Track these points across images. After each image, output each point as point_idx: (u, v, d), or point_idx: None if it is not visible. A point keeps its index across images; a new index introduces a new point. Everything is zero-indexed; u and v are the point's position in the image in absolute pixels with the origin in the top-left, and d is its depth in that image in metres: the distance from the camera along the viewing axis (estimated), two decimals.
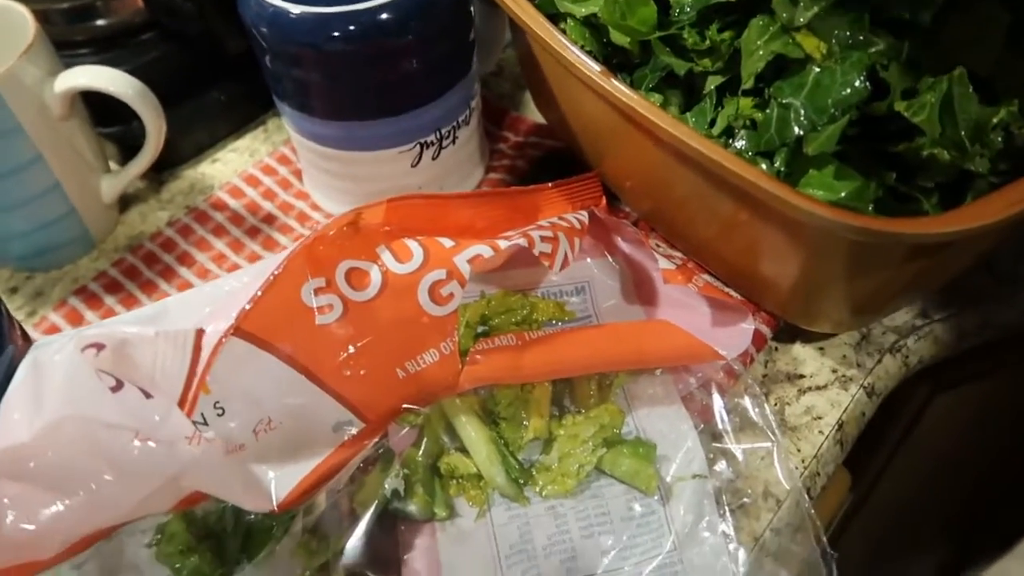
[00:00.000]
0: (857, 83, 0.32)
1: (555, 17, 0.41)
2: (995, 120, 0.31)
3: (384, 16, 0.40)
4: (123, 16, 0.51)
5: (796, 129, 0.33)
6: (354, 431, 0.35)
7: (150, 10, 0.52)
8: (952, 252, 0.34)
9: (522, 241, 0.36)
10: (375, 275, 0.35)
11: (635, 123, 0.35)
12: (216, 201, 0.52)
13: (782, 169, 0.34)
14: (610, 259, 0.43)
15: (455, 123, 0.46)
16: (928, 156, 0.32)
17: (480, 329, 0.40)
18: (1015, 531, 1.06)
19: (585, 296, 0.43)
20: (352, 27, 0.40)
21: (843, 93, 0.32)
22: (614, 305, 0.42)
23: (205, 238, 0.50)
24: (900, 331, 0.41)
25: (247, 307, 0.33)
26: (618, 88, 0.35)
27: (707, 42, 0.37)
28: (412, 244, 0.36)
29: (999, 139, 0.32)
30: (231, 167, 0.54)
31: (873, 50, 0.33)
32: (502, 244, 0.36)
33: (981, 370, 0.49)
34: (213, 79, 0.56)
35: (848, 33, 0.33)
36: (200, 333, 0.32)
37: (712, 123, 0.38)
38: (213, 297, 0.36)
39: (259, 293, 0.34)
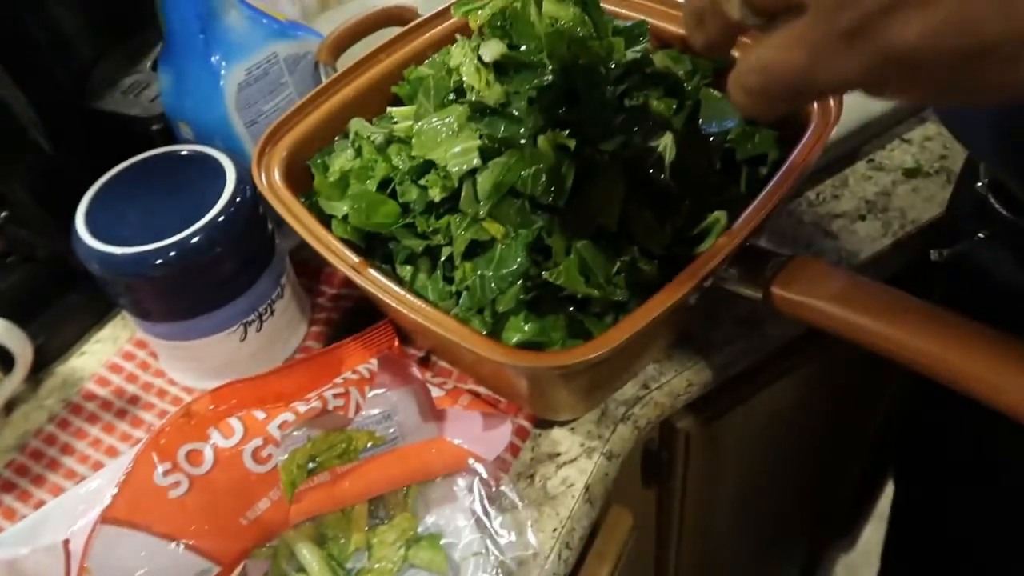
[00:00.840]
0: (520, 259, 0.45)
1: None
2: (617, 267, 0.45)
3: (195, 240, 0.52)
4: None
5: (489, 295, 0.45)
6: (214, 575, 0.46)
7: (5, 242, 0.62)
8: (624, 353, 0.47)
9: (317, 404, 0.48)
10: (208, 452, 0.46)
11: None
12: (87, 392, 0.61)
13: (489, 320, 0.46)
14: (408, 388, 0.55)
15: (270, 300, 0.58)
16: (584, 296, 0.45)
17: (310, 466, 0.51)
18: (853, 522, 1.21)
19: (391, 422, 0.54)
20: (171, 254, 0.51)
21: (513, 267, 0.45)
22: (415, 425, 0.54)
23: (82, 427, 0.59)
24: (628, 403, 0.54)
25: (111, 497, 0.44)
26: (370, 279, 0.47)
27: (430, 228, 0.49)
28: (234, 422, 0.47)
29: (629, 278, 0.45)
30: (97, 358, 0.64)
31: (535, 226, 0.46)
32: (302, 409, 0.48)
33: (722, 409, 0.64)
34: (72, 284, 0.66)
35: (518, 217, 0.46)
36: (67, 543, 0.43)
37: (450, 280, 0.50)
38: (85, 496, 0.46)
39: (117, 489, 0.44)
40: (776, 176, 0.48)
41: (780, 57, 0.26)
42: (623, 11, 0.59)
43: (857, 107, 0.66)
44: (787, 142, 0.54)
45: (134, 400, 0.61)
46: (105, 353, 0.64)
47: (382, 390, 0.54)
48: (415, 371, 0.55)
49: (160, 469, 0.45)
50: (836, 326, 0.42)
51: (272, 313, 0.58)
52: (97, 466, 0.57)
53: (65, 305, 0.65)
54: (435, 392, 0.52)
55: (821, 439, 0.89)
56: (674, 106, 0.53)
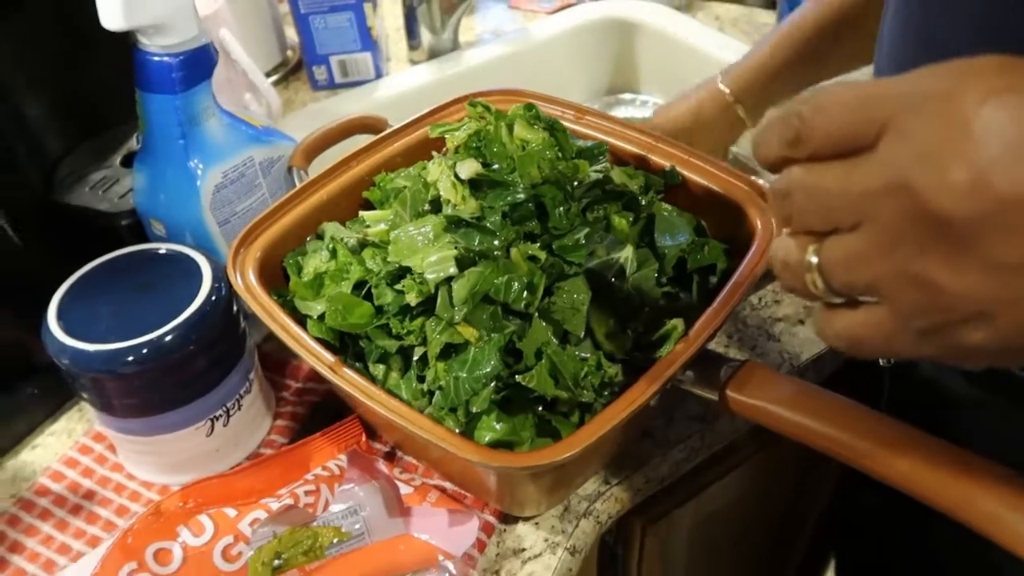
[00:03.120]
0: (493, 362, 0.47)
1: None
2: (584, 370, 0.48)
3: (168, 339, 0.53)
4: None
5: (463, 395, 0.48)
6: None
7: None
8: (590, 452, 0.50)
9: (290, 500, 0.48)
10: (177, 551, 0.46)
11: None
12: (39, 488, 0.60)
13: (463, 419, 0.48)
14: (375, 483, 0.56)
15: (239, 395, 0.58)
16: (553, 397, 0.48)
17: (276, 563, 0.51)
18: None
19: (358, 517, 0.55)
20: (144, 351, 0.52)
21: (486, 369, 0.47)
22: (381, 521, 0.55)
23: (33, 524, 0.58)
24: (590, 498, 0.57)
25: None
26: (346, 379, 0.49)
27: (404, 330, 0.52)
28: (204, 519, 0.48)
29: (595, 381, 0.48)
30: (51, 451, 0.63)
31: (507, 331, 0.49)
32: (274, 506, 0.48)
33: (676, 503, 0.66)
34: (26, 375, 0.65)
35: (491, 322, 0.49)
36: None
37: (422, 379, 0.52)
38: None
39: None
40: (727, 287, 0.53)
41: (863, 334, 0.29)
42: (585, 131, 0.65)
43: None
44: (734, 253, 0.59)
45: (90, 495, 0.60)
46: (59, 446, 0.63)
47: (349, 485, 0.55)
48: (382, 466, 0.56)
49: (126, 569, 0.45)
50: (786, 427, 0.46)
51: (240, 408, 0.59)
52: (49, 566, 0.55)
53: (18, 398, 0.64)
54: (403, 489, 0.53)
55: (767, 526, 0.92)
56: (631, 219, 0.57)
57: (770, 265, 0.33)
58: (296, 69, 1.08)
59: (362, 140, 0.67)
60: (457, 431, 0.48)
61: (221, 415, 0.57)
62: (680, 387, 0.50)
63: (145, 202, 0.63)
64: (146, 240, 0.66)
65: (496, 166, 0.50)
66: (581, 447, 0.44)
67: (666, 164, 0.62)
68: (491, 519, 0.55)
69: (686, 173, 0.62)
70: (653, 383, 0.47)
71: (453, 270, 0.48)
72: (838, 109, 0.28)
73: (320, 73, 1.03)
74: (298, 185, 0.63)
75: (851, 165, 0.28)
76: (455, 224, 0.50)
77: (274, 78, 1.05)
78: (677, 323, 0.51)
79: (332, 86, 1.03)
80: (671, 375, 0.48)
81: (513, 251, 0.49)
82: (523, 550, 0.54)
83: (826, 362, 0.66)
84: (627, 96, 1.13)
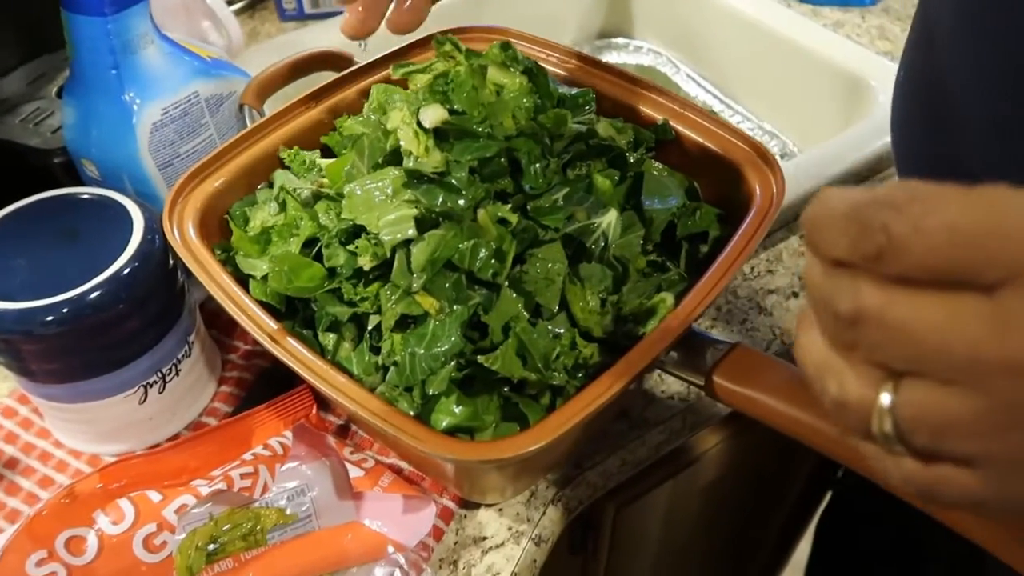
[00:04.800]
0: (454, 338, 0.42)
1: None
2: (556, 350, 0.43)
3: (93, 296, 0.47)
4: None
5: (419, 374, 0.42)
6: None
7: None
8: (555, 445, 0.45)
9: (222, 484, 0.43)
10: (92, 539, 0.41)
11: None
12: None
13: (418, 401, 0.43)
14: (324, 461, 0.51)
15: (176, 359, 0.53)
16: (521, 379, 0.43)
17: (211, 548, 0.46)
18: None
19: (304, 498, 0.50)
20: (64, 311, 0.46)
21: (446, 346, 0.42)
22: (330, 503, 0.50)
23: None
24: (560, 483, 0.52)
25: None
26: (287, 350, 0.43)
27: (357, 296, 0.46)
28: (124, 504, 0.43)
29: (568, 361, 0.43)
30: None
31: (471, 302, 0.43)
32: (204, 490, 0.43)
33: (651, 485, 0.62)
34: None
35: (454, 292, 0.43)
36: None
37: (377, 351, 0.47)
38: None
39: None
40: (719, 258, 0.47)
41: (945, 492, 0.23)
42: (569, 77, 0.58)
43: (791, 180, 0.67)
44: (728, 219, 0.53)
45: (12, 464, 0.54)
46: None
47: (296, 463, 0.50)
48: (332, 444, 0.51)
49: (33, 558, 0.40)
50: (779, 421, 0.41)
51: (177, 373, 0.53)
52: None
53: None
54: (354, 472, 0.48)
55: (745, 503, 0.89)
56: (616, 178, 0.51)
57: (804, 370, 0.25)
58: None
59: (325, 78, 0.60)
60: (412, 413, 0.43)
61: (156, 381, 0.52)
62: (663, 369, 0.45)
63: (76, 139, 0.57)
64: (82, 183, 0.60)
65: (465, 114, 0.44)
66: (549, 438, 0.39)
67: (658, 117, 0.56)
68: (450, 504, 0.50)
69: (680, 128, 0.56)
70: (633, 366, 0.42)
71: (412, 232, 0.43)
72: (946, 237, 0.20)
73: (289, 2, 0.95)
74: (249, 126, 0.57)
75: (956, 310, 0.21)
76: (416, 179, 0.44)
77: (238, 5, 0.97)
78: (665, 297, 0.46)
79: (302, 17, 0.95)
80: (654, 358, 0.43)
81: (481, 212, 0.43)
82: (484, 539, 0.50)
83: None
84: (620, 41, 1.06)
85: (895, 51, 0.85)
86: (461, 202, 0.43)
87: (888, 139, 0.72)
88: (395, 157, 0.47)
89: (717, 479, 0.72)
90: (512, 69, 0.45)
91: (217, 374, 0.59)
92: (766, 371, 0.43)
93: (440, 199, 0.43)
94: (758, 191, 0.51)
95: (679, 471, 0.65)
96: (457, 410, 0.42)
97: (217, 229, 0.53)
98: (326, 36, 0.89)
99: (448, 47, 0.46)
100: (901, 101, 0.50)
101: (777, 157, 0.73)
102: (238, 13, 0.96)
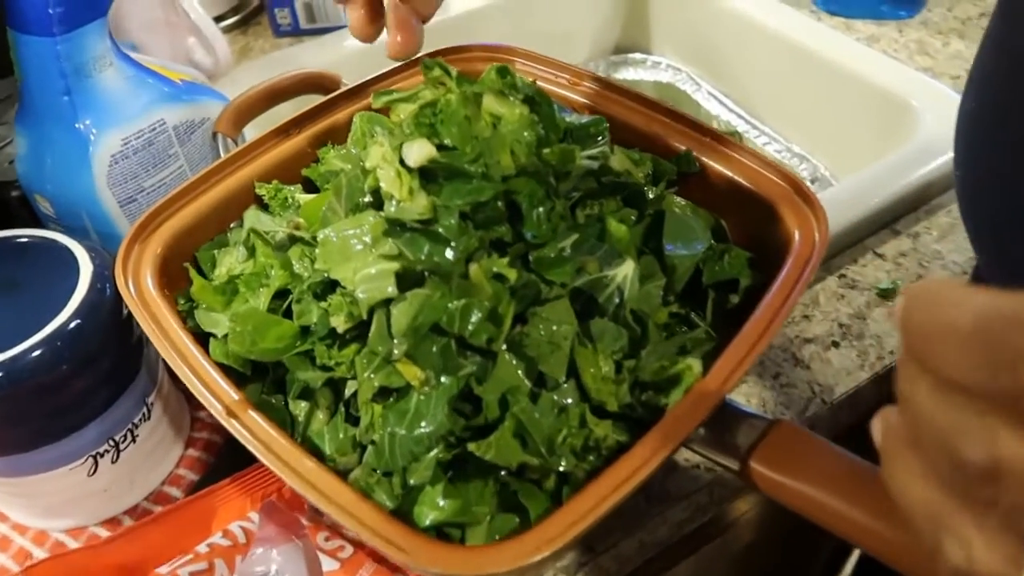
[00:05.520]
0: (440, 417, 0.35)
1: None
2: (563, 432, 0.36)
3: (33, 356, 0.41)
4: None
5: (400, 460, 0.36)
6: None
7: None
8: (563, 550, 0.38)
9: None
10: None
11: None
12: None
13: (399, 490, 0.36)
14: (298, 543, 0.45)
15: (131, 424, 0.46)
16: (521, 463, 0.36)
17: None
18: None
19: None
20: None
21: (431, 427, 0.35)
22: None
23: None
24: (569, 570, 0.45)
25: None
26: (241, 428, 0.37)
27: (332, 360, 0.39)
28: None
29: (576, 443, 0.36)
30: None
31: (462, 373, 0.37)
32: None
33: (672, 562, 0.55)
34: None
35: (441, 360, 0.37)
36: None
37: (356, 420, 0.40)
38: None
39: None
40: (756, 312, 0.40)
41: None
42: (581, 100, 0.52)
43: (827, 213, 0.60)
44: (760, 265, 0.46)
45: None
46: None
47: (262, 548, 0.44)
48: (307, 526, 0.44)
49: None
50: (834, 523, 0.34)
51: (134, 440, 0.47)
52: None
53: None
54: (329, 564, 0.42)
55: (775, 569, 0.81)
56: (633, 218, 0.45)
57: (908, 515, 0.20)
58: (257, 12, 0.94)
59: (313, 101, 0.54)
60: (390, 506, 0.36)
61: (108, 450, 0.46)
62: (688, 447, 0.39)
63: (28, 173, 0.51)
64: (39, 221, 0.54)
65: (456, 149, 0.37)
66: (556, 545, 0.32)
67: (680, 147, 0.49)
68: None
69: (705, 159, 0.49)
70: (661, 448, 0.35)
71: (392, 291, 0.36)
72: None
73: (283, 17, 0.89)
74: (223, 156, 0.51)
75: None
76: (398, 227, 0.37)
77: (230, 21, 0.91)
78: (691, 363, 0.39)
79: (297, 32, 0.90)
80: (683, 438, 0.36)
81: (473, 267, 0.36)
82: None
83: (864, 398, 0.54)
84: (637, 56, 0.99)
85: (936, 68, 0.78)
86: (450, 254, 0.36)
87: (933, 165, 0.66)
88: (376, 198, 0.40)
89: (748, 545, 0.65)
90: (511, 97, 0.39)
91: (184, 435, 0.52)
92: (816, 457, 0.36)
93: (425, 251, 0.36)
94: (797, 235, 0.44)
95: (704, 544, 0.58)
96: (443, 504, 0.35)
97: (183, 275, 0.47)
98: (323, 53, 0.83)
99: (437, 72, 0.40)
100: (975, 135, 0.43)
101: (808, 183, 0.66)
102: (230, 29, 0.91)
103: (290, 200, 0.49)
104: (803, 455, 0.36)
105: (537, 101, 0.39)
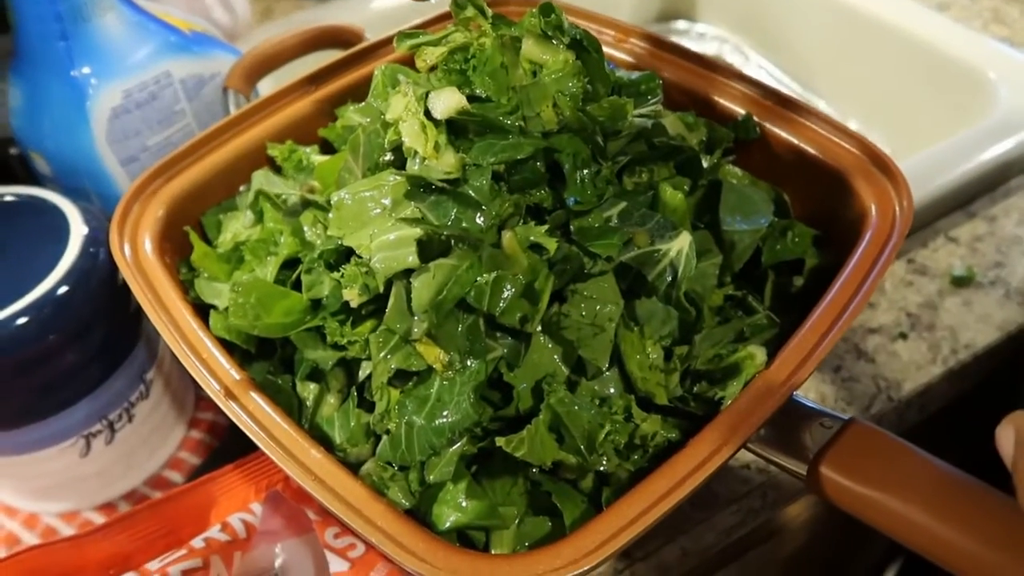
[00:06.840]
0: (465, 405, 0.31)
1: None
2: (606, 427, 0.31)
3: (17, 324, 0.37)
4: None
5: (418, 453, 0.31)
6: None
7: None
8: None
9: None
10: None
11: None
12: None
13: (416, 487, 0.32)
14: (302, 541, 0.40)
15: (127, 403, 0.43)
16: (556, 461, 0.32)
17: None
18: None
19: None
20: None
21: (454, 416, 0.31)
22: None
23: None
24: None
25: None
26: (241, 411, 0.33)
27: (344, 339, 0.35)
28: None
29: (620, 439, 0.32)
30: None
31: (491, 356, 0.32)
32: None
33: (717, 566, 0.50)
34: None
35: (467, 341, 0.32)
36: None
37: (371, 406, 0.36)
38: None
39: None
40: (828, 296, 0.35)
41: None
42: (628, 60, 0.47)
43: None
44: (829, 244, 0.41)
45: None
46: None
47: (265, 544, 0.39)
48: (315, 520, 0.40)
49: None
50: (914, 538, 0.29)
51: (130, 419, 0.43)
52: None
53: None
54: (338, 564, 0.37)
55: (825, 568, 0.76)
56: (686, 187, 0.39)
57: None
58: None
59: (330, 57, 0.50)
60: (406, 505, 0.32)
61: (101, 431, 0.42)
62: (748, 448, 0.34)
63: (23, 128, 0.47)
64: (37, 182, 0.50)
65: (490, 100, 0.33)
66: (596, 559, 0.28)
67: (740, 111, 0.44)
68: None
69: (767, 125, 0.44)
70: (718, 450, 0.30)
71: (413, 260, 0.31)
72: None
73: None
74: (232, 113, 0.46)
75: None
76: (421, 188, 0.32)
77: None
78: (754, 352, 0.34)
79: None
80: (746, 436, 0.31)
81: (507, 235, 0.32)
82: None
83: (936, 396, 0.48)
84: (680, 25, 0.93)
85: (1014, 38, 0.72)
86: (480, 220, 0.31)
87: (1012, 143, 0.60)
88: (398, 156, 0.35)
89: (798, 550, 0.60)
90: (555, 42, 0.34)
91: (187, 415, 0.48)
92: (899, 463, 0.31)
93: (452, 216, 0.32)
94: (873, 210, 0.39)
95: (750, 549, 0.53)
96: (466, 504, 0.31)
97: (187, 241, 0.42)
98: (348, 14, 0.78)
99: (470, 11, 0.35)
100: None
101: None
102: None
103: (305, 162, 0.44)
104: (883, 461, 0.31)
105: (585, 47, 0.34)
